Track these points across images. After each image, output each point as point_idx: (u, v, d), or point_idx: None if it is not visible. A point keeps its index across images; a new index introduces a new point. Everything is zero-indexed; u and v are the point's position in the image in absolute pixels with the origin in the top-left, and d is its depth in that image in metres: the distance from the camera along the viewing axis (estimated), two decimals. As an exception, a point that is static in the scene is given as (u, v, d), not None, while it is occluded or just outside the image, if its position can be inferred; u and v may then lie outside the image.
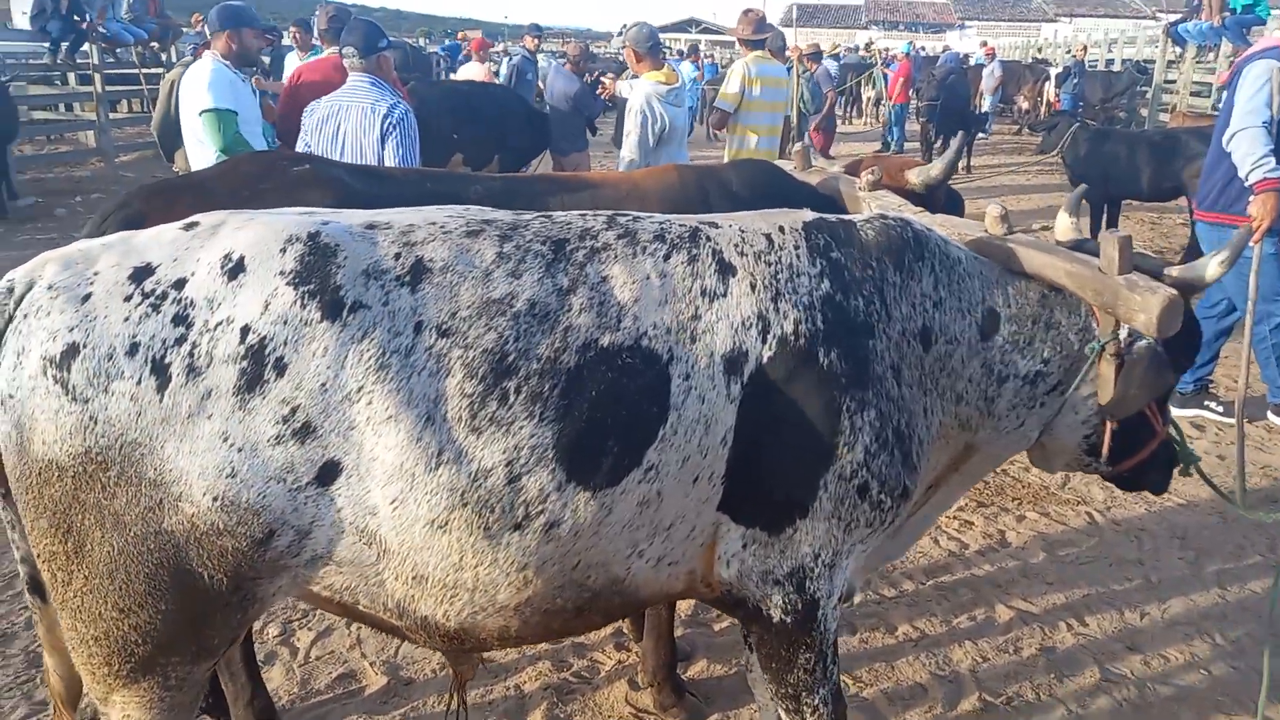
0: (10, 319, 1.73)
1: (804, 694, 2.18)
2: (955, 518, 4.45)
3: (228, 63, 5.28)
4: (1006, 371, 2.21)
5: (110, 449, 1.68)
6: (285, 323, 1.72)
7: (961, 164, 15.55)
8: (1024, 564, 4.06)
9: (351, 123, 4.57)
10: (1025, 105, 20.58)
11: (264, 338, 1.71)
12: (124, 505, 1.70)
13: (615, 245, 1.99)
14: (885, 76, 20.11)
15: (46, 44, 14.57)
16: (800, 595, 2.07)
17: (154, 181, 3.78)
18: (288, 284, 1.75)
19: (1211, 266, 2.18)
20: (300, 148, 4.70)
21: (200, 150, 5.24)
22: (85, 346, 1.68)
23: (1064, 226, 2.44)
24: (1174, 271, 2.21)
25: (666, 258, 1.99)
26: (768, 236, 2.08)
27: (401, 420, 1.73)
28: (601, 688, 3.25)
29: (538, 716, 3.10)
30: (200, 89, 5.14)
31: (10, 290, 1.76)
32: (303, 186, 2.79)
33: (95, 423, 1.68)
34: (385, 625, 1.99)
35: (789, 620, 2.08)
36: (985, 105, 20.71)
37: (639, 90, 6.13)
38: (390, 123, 4.54)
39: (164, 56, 15.42)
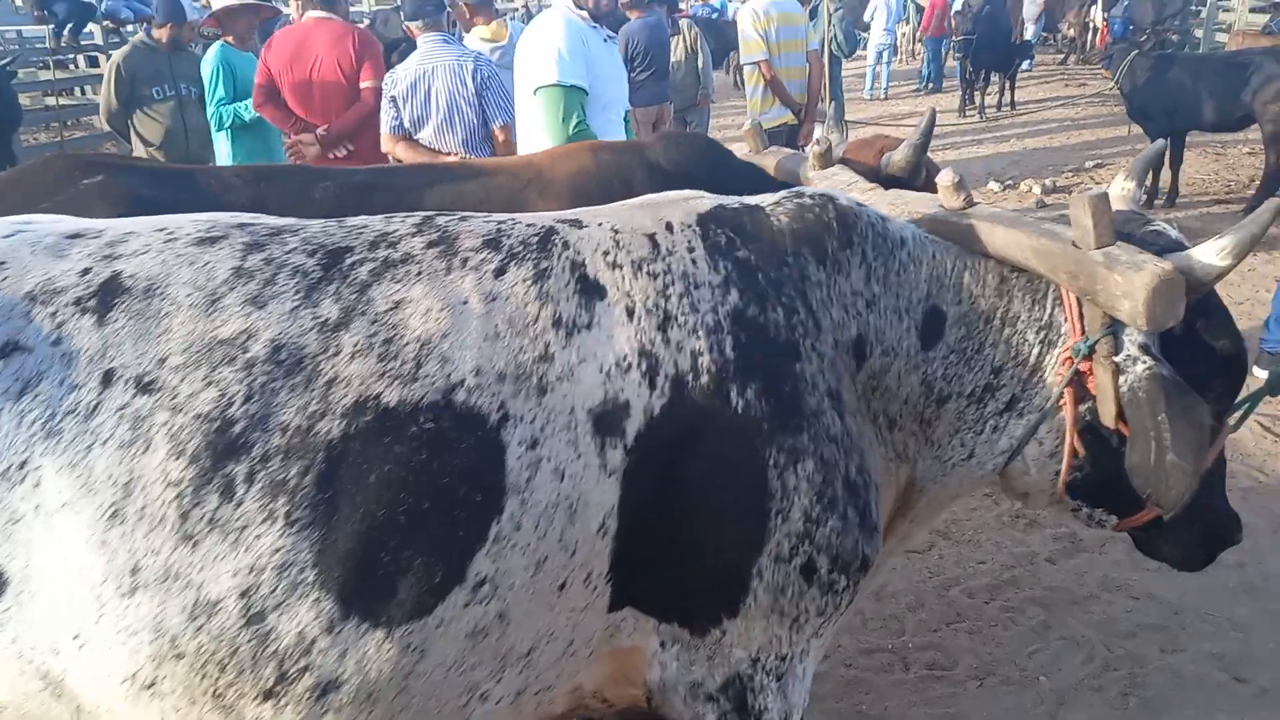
0: None
1: None
2: (1021, 516, 3.91)
3: (583, 13, 4.08)
4: (949, 389, 1.74)
5: None
6: None
7: (1005, 101, 14.65)
8: (1103, 576, 3.52)
9: (441, 82, 4.56)
10: (1072, 33, 19.42)
11: None
12: None
13: (421, 257, 1.47)
14: (920, 7, 19.06)
15: (51, 26, 14.28)
16: (741, 716, 1.59)
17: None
18: None
19: (1210, 257, 1.61)
20: (389, 120, 4.68)
21: (539, 138, 4.02)
22: None
23: (1113, 193, 1.87)
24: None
25: (499, 274, 1.48)
26: (651, 238, 1.58)
27: (81, 513, 1.24)
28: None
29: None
30: (543, 55, 3.96)
31: None
32: (93, 201, 2.38)
33: None
34: None
35: None
36: (1028, 34, 19.59)
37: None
38: (482, 77, 4.53)
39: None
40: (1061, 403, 1.71)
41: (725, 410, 1.47)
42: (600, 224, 1.61)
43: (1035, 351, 1.73)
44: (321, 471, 1.28)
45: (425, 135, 4.78)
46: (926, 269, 1.74)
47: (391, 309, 1.40)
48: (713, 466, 1.47)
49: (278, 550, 1.27)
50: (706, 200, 1.72)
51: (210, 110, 5.74)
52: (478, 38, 5.59)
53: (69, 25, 14.25)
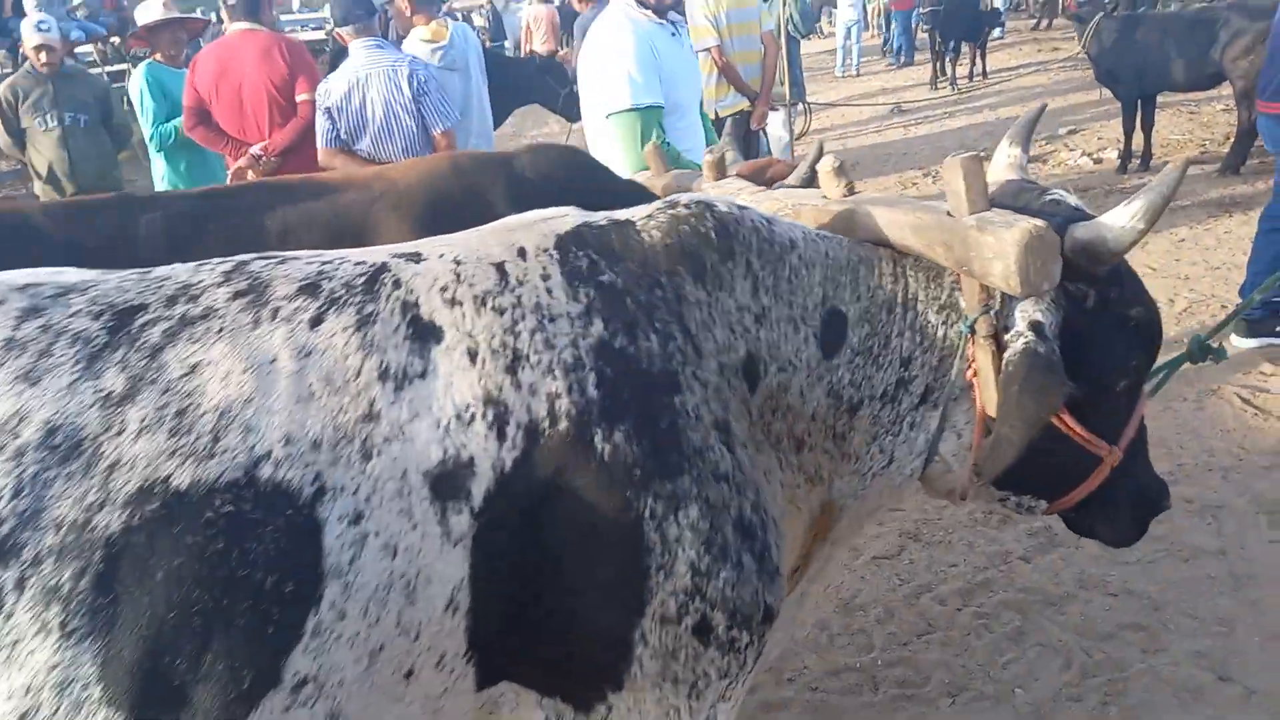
0: None
1: None
2: (993, 512, 3.75)
3: (646, 12, 3.87)
4: (859, 395, 1.62)
5: None
6: None
7: (977, 70, 14.47)
8: (1080, 572, 3.35)
9: (376, 90, 4.45)
10: (1042, -3, 19.22)
11: None
12: None
13: (224, 311, 1.30)
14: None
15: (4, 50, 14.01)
16: None
17: None
18: None
19: (1122, 222, 1.49)
20: (325, 132, 4.55)
21: (616, 162, 3.63)
22: None
23: (1000, 162, 1.78)
24: (1076, 231, 1.54)
25: (315, 323, 1.31)
26: (499, 267, 1.42)
27: None
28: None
29: None
30: (613, 76, 3.70)
31: None
32: None
33: None
34: None
35: None
36: (998, 2, 19.41)
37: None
38: (418, 82, 4.45)
39: (126, 52, 14.74)
40: (972, 394, 1.61)
41: (589, 458, 1.31)
42: (441, 255, 1.44)
43: (940, 334, 1.63)
44: (100, 572, 1.12)
45: (363, 146, 4.64)
46: (820, 270, 1.60)
47: (186, 375, 1.23)
48: (578, 523, 1.31)
49: (55, 666, 1.11)
50: (569, 219, 1.55)
51: (149, 133, 5.56)
52: (417, 39, 5.40)
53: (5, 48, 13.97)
